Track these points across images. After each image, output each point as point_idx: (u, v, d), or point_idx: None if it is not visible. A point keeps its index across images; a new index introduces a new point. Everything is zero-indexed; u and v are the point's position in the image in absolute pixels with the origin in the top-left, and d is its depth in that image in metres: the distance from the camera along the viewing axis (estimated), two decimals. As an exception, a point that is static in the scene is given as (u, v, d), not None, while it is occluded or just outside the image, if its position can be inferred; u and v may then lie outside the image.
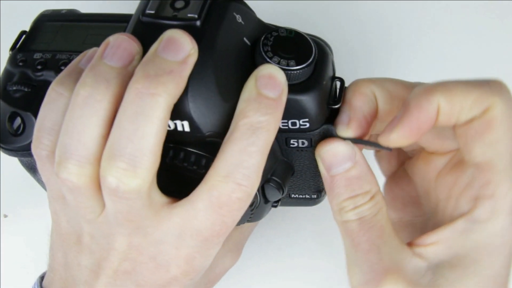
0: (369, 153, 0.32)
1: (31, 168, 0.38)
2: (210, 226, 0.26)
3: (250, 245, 0.38)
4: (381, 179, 0.33)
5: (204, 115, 0.25)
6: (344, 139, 0.28)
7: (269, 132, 0.25)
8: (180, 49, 0.24)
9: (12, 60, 0.36)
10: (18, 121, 0.34)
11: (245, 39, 0.28)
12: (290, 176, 0.32)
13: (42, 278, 0.31)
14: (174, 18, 0.26)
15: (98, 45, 0.26)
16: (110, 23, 0.37)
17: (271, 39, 0.28)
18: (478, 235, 0.26)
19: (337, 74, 0.30)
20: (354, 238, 0.27)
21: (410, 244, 0.27)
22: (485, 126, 0.25)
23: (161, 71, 0.24)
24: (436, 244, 0.26)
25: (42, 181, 0.37)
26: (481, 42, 0.50)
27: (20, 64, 0.36)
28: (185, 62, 0.24)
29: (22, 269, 0.42)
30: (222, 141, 0.26)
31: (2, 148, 0.35)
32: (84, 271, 0.28)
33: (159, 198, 0.26)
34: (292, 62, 0.27)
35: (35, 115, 0.33)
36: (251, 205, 0.30)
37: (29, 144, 0.29)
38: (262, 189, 0.31)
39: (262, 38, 0.28)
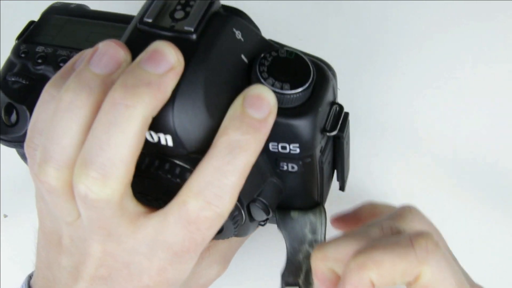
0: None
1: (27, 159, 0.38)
2: (180, 241, 0.25)
3: (239, 256, 0.37)
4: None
5: (188, 131, 0.25)
6: None
7: (248, 153, 0.24)
8: (162, 61, 0.24)
9: (15, 51, 0.36)
10: (13, 112, 0.34)
11: (243, 56, 0.27)
12: (278, 197, 0.31)
13: (30, 277, 0.31)
14: (170, 29, 0.25)
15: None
16: (116, 23, 0.36)
17: (269, 59, 0.27)
18: None
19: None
20: None
21: None
22: None
23: (139, 82, 0.23)
24: None
25: None
26: (481, 43, 0.50)
27: (22, 55, 0.36)
28: (166, 75, 0.24)
29: (22, 269, 0.42)
30: None
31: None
32: (63, 273, 0.28)
33: (134, 207, 0.26)
34: (286, 86, 0.26)
35: (30, 108, 0.33)
36: (235, 223, 0.29)
37: (22, 136, 0.30)
38: (247, 208, 0.30)
39: (260, 57, 0.27)
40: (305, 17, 0.53)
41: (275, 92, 0.26)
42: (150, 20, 0.26)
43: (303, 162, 0.28)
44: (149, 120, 0.24)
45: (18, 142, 0.34)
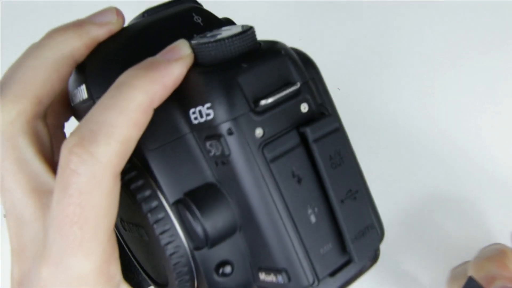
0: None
1: None
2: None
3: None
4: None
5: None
6: None
7: (136, 90, 0.21)
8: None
9: None
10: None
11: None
12: (215, 207, 0.22)
13: None
14: None
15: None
16: None
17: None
18: None
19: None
20: None
21: None
22: None
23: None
24: None
25: None
26: (481, 42, 0.50)
27: None
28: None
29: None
30: None
31: None
32: None
33: None
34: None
35: None
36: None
37: None
38: (178, 212, 0.23)
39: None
40: (305, 17, 0.53)
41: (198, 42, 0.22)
42: None
43: (227, 137, 0.21)
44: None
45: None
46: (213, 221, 0.22)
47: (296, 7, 0.53)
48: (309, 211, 0.21)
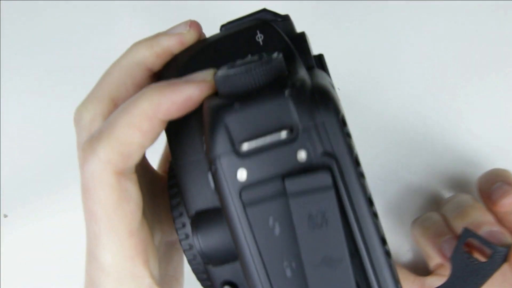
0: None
1: None
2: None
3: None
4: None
5: None
6: None
7: (147, 99, 0.23)
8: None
9: None
10: None
11: None
12: (213, 231, 0.23)
13: None
14: None
15: None
16: None
17: None
18: None
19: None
20: None
21: None
22: None
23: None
24: None
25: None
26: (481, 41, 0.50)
27: None
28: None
29: (22, 269, 0.42)
30: None
31: None
32: None
33: None
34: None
35: None
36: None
37: None
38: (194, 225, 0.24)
39: None
40: (305, 17, 0.53)
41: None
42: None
43: (214, 179, 0.22)
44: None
45: None
46: (207, 242, 0.23)
47: (297, 7, 0.53)
48: (285, 263, 0.21)
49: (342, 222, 0.20)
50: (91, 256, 0.25)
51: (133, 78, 0.26)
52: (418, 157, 0.45)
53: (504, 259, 0.31)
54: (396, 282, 0.21)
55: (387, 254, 0.21)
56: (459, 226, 0.33)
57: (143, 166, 0.29)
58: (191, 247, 0.24)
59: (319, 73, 0.24)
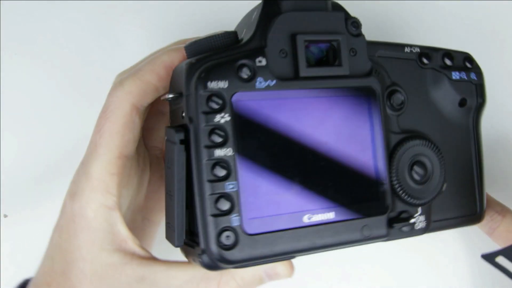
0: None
1: None
2: None
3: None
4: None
5: None
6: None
7: (166, 51, 0.32)
8: None
9: None
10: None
11: None
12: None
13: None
14: None
15: None
16: None
17: None
18: None
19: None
20: None
21: None
22: None
23: None
24: None
25: None
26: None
27: None
28: None
29: (22, 269, 0.42)
30: None
31: None
32: None
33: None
34: None
35: None
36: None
37: None
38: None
39: None
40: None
41: None
42: None
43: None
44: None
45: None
46: None
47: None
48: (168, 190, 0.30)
49: (183, 168, 0.28)
50: (83, 164, 0.31)
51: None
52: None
53: None
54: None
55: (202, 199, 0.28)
56: None
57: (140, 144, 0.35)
58: None
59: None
